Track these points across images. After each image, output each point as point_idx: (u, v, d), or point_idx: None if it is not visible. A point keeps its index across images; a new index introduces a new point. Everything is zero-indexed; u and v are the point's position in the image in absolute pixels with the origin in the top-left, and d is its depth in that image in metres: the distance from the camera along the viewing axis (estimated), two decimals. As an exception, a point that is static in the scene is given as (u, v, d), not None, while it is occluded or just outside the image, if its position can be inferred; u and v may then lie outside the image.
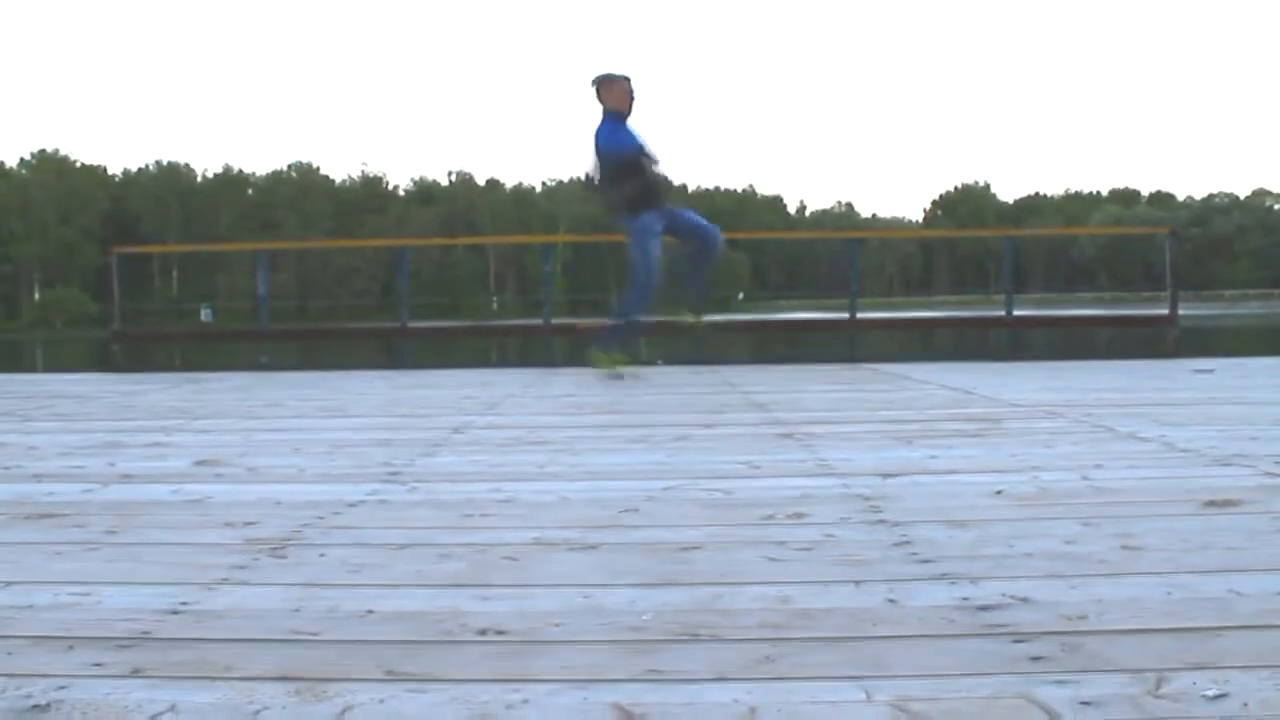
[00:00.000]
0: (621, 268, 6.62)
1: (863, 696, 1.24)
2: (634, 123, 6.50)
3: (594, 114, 6.48)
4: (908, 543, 2.01)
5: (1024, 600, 1.61)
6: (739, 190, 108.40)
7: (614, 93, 6.39)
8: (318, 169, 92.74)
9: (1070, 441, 3.38)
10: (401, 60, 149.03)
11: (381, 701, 1.25)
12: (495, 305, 71.81)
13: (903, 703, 1.22)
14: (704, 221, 6.68)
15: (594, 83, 6.43)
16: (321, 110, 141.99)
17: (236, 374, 7.91)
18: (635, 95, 6.44)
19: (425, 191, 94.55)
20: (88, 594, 1.72)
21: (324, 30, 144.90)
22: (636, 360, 6.62)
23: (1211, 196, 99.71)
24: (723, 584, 1.75)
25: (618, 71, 6.47)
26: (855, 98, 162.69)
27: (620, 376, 6.33)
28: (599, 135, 6.39)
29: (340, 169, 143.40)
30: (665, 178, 6.52)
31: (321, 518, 2.34)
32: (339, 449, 3.50)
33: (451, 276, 77.42)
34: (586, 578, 1.80)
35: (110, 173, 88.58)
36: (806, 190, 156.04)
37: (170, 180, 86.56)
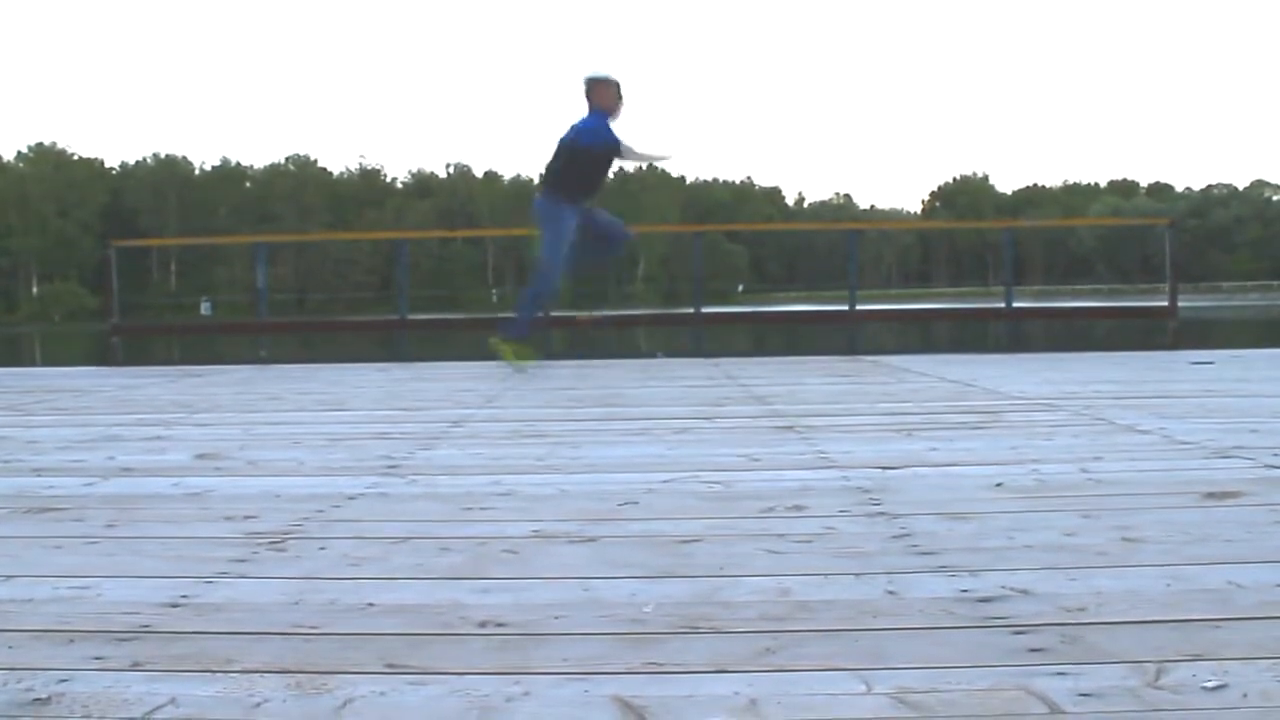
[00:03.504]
0: (619, 260, 6.73)
1: (862, 688, 1.25)
2: (618, 125, 6.62)
3: (580, 110, 6.58)
4: (907, 535, 2.01)
5: (1023, 592, 1.62)
6: (737, 182, 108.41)
7: (605, 94, 6.52)
8: (315, 162, 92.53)
9: (1070, 434, 3.38)
10: (399, 53, 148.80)
11: (382, 694, 1.25)
12: (495, 298, 71.83)
13: (902, 694, 1.22)
14: (613, 220, 6.80)
15: (585, 82, 6.54)
16: (319, 103, 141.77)
17: (236, 367, 7.91)
18: (624, 100, 6.56)
19: (423, 184, 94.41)
20: (88, 587, 1.72)
21: (321, 22, 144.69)
22: (537, 354, 6.68)
23: (1210, 188, 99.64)
24: (723, 576, 1.75)
25: (610, 74, 6.57)
26: (853, 89, 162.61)
27: (523, 369, 6.44)
28: (586, 123, 6.49)
29: (338, 162, 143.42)
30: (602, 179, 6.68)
31: (321, 511, 2.34)
32: (338, 442, 3.50)
33: (450, 269, 77.42)
34: (586, 570, 1.80)
35: (108, 165, 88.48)
36: (804, 182, 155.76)
37: (168, 173, 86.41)
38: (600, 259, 6.86)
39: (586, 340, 7.50)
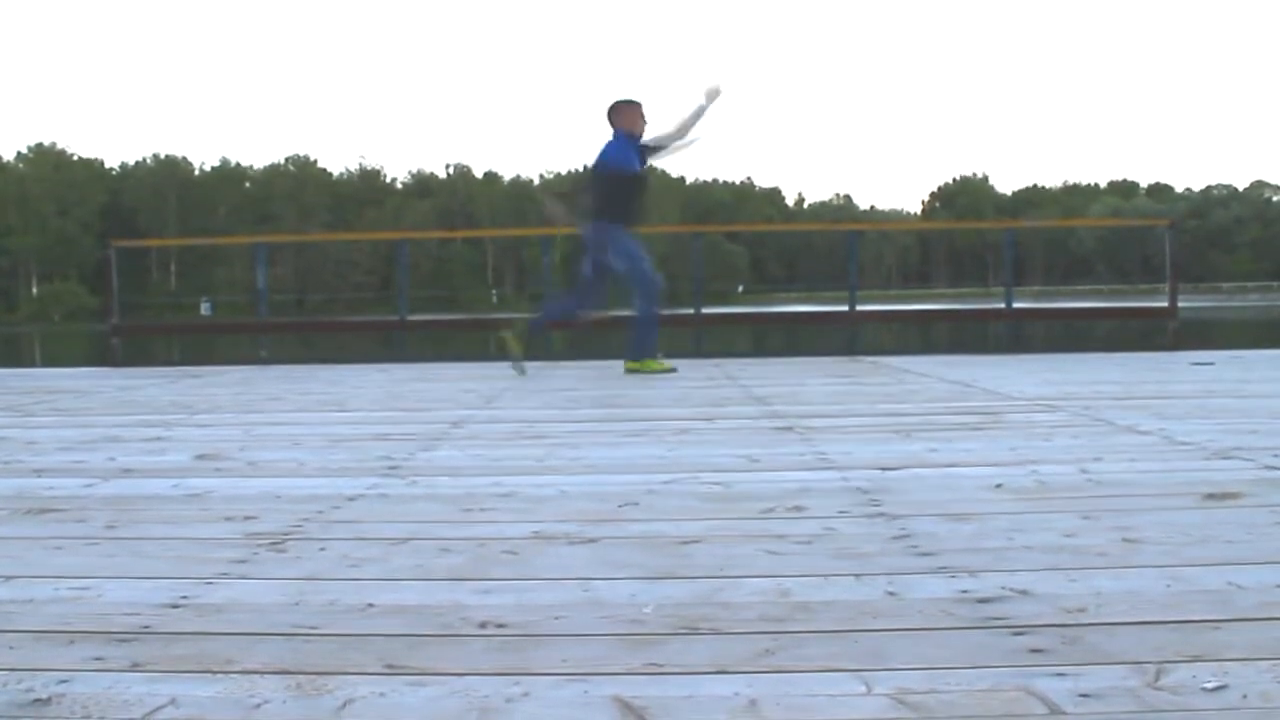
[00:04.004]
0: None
1: (862, 689, 1.25)
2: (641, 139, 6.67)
3: (603, 131, 6.63)
4: (907, 536, 2.02)
5: (1023, 593, 1.62)
6: (737, 183, 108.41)
7: (628, 116, 6.58)
8: (315, 162, 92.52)
9: (1070, 435, 3.39)
10: (398, 52, 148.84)
11: (382, 695, 1.25)
12: (495, 298, 71.84)
13: (902, 695, 1.22)
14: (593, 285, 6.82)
15: (610, 107, 6.61)
16: (318, 103, 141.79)
17: (236, 368, 7.91)
18: (647, 120, 6.62)
19: (423, 184, 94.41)
20: (88, 588, 1.73)
21: (321, 22, 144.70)
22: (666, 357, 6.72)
23: (1210, 188, 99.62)
24: (722, 577, 1.75)
25: (633, 98, 6.65)
26: (854, 89, 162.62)
27: (671, 370, 6.50)
28: (609, 149, 6.54)
29: (337, 162, 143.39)
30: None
31: (321, 511, 2.34)
32: (339, 443, 3.50)
33: (449, 270, 77.42)
34: (586, 571, 1.80)
35: (108, 166, 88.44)
36: (804, 182, 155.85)
37: (168, 173, 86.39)
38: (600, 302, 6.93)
39: (586, 341, 7.52)
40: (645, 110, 6.63)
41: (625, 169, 6.53)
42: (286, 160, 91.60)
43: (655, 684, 1.28)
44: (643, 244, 6.66)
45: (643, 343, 6.64)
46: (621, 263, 6.57)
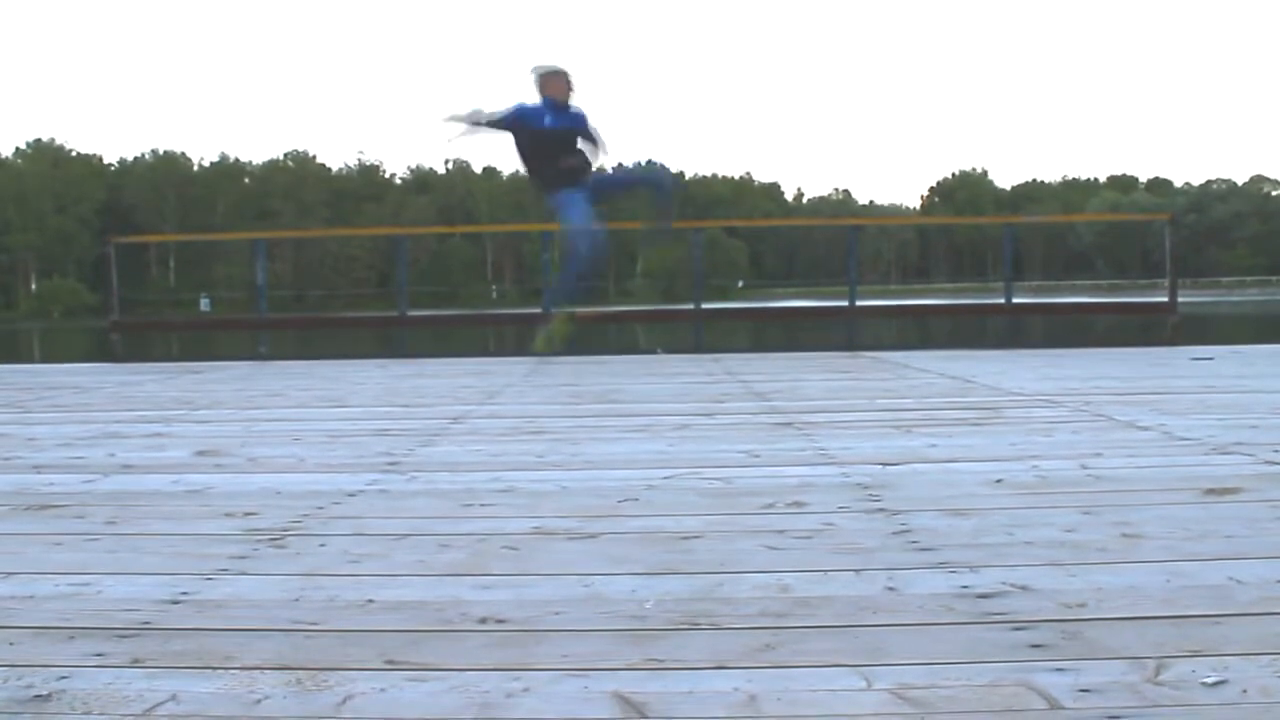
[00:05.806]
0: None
1: (862, 684, 1.25)
2: (579, 105, 6.80)
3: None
4: (907, 531, 2.02)
5: (1023, 588, 1.62)
6: (736, 177, 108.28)
7: (552, 84, 6.69)
8: (314, 158, 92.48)
9: (1070, 430, 3.38)
10: (398, 48, 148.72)
11: (382, 691, 1.25)
12: (495, 294, 71.85)
13: (902, 690, 1.22)
14: (640, 174, 6.93)
15: (538, 77, 6.74)
16: (318, 99, 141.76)
17: (235, 364, 7.91)
18: (574, 87, 6.73)
19: (422, 180, 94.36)
20: (88, 584, 1.73)
21: (320, 18, 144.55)
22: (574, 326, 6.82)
23: (1209, 183, 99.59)
24: (723, 572, 1.75)
25: (558, 66, 6.80)
26: (852, 84, 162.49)
27: (561, 341, 6.62)
28: (517, 106, 6.66)
29: (337, 158, 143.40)
30: (582, 156, 6.77)
31: (321, 507, 2.34)
32: (338, 439, 3.50)
33: (448, 265, 77.40)
34: (586, 566, 1.80)
35: (106, 162, 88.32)
36: (804, 177, 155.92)
37: (167, 169, 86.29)
38: (661, 209, 7.08)
39: (586, 337, 7.53)
40: (571, 79, 6.74)
41: (529, 124, 6.65)
42: (285, 156, 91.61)
43: (655, 679, 1.28)
44: (586, 211, 6.70)
45: (555, 293, 6.81)
46: (565, 233, 6.75)
